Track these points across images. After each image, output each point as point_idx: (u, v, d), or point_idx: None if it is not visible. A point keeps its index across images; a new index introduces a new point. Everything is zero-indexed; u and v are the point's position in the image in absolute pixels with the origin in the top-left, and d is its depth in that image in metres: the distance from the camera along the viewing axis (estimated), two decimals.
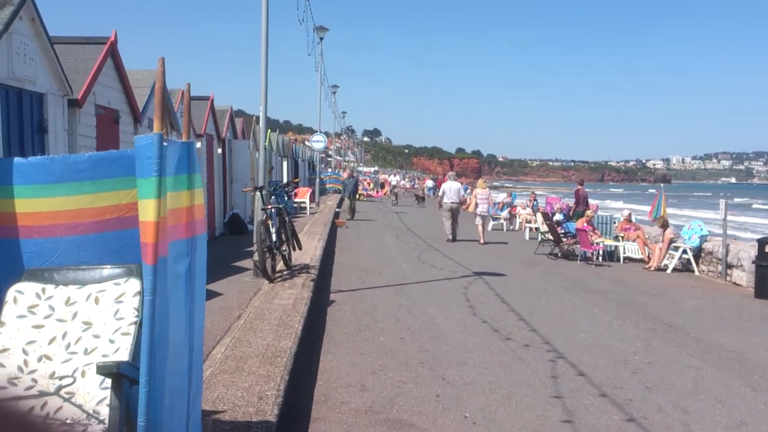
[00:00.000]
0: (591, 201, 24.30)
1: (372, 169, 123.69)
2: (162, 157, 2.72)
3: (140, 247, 2.74)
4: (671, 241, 15.49)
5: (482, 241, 19.22)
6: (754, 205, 72.78)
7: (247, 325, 7.35)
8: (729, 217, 14.71)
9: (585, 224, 16.57)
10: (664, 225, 16.10)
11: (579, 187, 21.36)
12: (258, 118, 13.91)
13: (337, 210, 28.91)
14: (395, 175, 68.92)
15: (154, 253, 2.66)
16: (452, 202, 19.56)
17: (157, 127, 2.76)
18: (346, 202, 27.69)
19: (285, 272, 11.01)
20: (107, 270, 3.33)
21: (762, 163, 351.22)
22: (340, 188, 35.75)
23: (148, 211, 2.70)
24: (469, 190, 28.92)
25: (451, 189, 19.80)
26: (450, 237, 19.62)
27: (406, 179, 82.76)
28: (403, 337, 7.97)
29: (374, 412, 5.44)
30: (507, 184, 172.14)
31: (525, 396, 5.96)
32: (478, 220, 19.65)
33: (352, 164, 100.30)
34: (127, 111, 10.61)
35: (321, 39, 32.38)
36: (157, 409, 2.77)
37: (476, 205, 19.84)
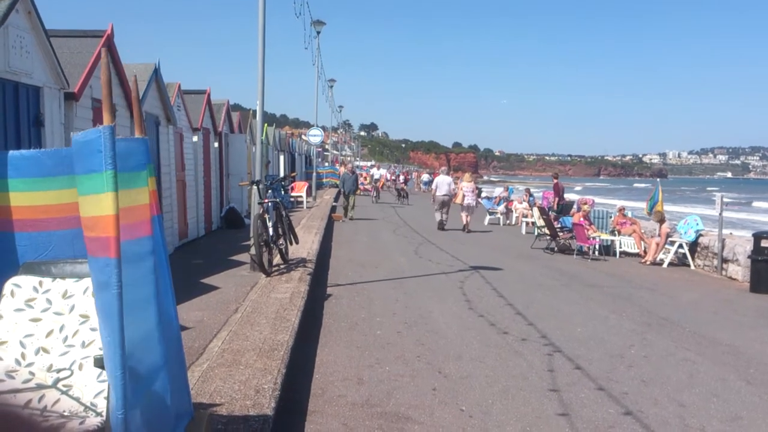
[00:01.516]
0: (587, 197, 24.53)
1: (369, 164, 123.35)
2: (114, 150, 2.64)
3: (97, 242, 2.65)
4: (668, 235, 15.52)
5: (466, 230, 20.71)
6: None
7: (244, 318, 7.35)
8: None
9: (581, 219, 16.60)
10: (661, 219, 16.12)
11: (555, 180, 22.22)
12: (255, 112, 13.90)
13: (334, 204, 28.90)
14: (378, 168, 64.59)
15: (117, 246, 2.60)
16: (444, 195, 21.29)
17: (107, 120, 2.71)
18: (344, 199, 24.49)
19: (282, 266, 11.02)
20: None
21: (758, 158, 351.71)
22: (337, 182, 35.26)
23: (105, 205, 2.61)
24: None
25: (443, 183, 21.58)
26: (441, 226, 21.11)
27: (401, 174, 79.73)
28: (400, 331, 7.98)
29: (371, 405, 5.45)
30: (494, 178, 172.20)
31: (521, 389, 5.98)
32: (463, 210, 21.28)
33: (349, 158, 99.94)
34: (124, 105, 10.57)
35: (318, 33, 32.31)
36: (136, 402, 2.73)
37: (463, 197, 21.37)
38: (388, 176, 56.99)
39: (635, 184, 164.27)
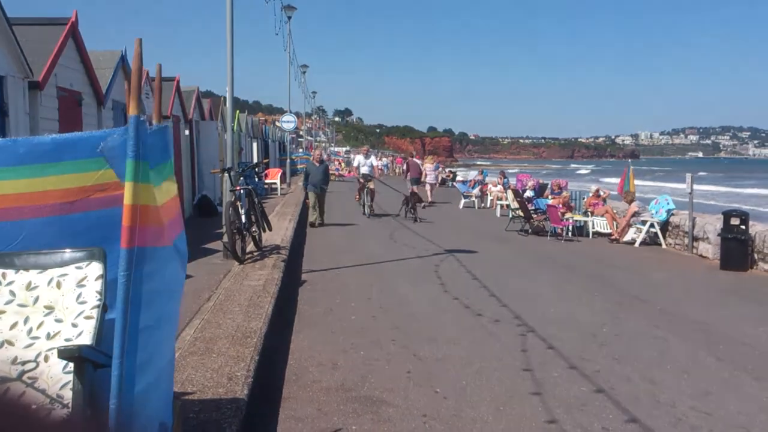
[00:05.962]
0: (560, 179, 24.96)
1: (343, 149, 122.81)
2: (138, 139, 2.70)
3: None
4: (634, 213, 15.74)
5: (428, 201, 24.57)
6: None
7: (217, 306, 7.31)
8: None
9: (560, 205, 16.76)
10: (632, 200, 16.34)
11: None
12: (226, 98, 13.77)
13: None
14: (366, 155, 26.94)
15: (130, 237, 2.62)
16: (415, 175, 25.89)
17: (134, 110, 2.73)
18: (312, 198, 17.88)
19: (255, 253, 10.96)
20: (69, 254, 3.27)
21: (728, 138, 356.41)
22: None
23: (126, 193, 2.68)
24: (440, 168, 35.25)
25: (413, 165, 26.09)
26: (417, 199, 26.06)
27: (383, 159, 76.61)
28: (375, 316, 7.99)
29: (346, 390, 5.45)
30: (468, 162, 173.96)
31: (495, 370, 6.02)
32: (427, 187, 25.93)
33: (324, 144, 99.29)
34: (90, 93, 10.41)
35: (289, 18, 32.01)
36: (128, 392, 2.74)
37: (425, 175, 26.03)
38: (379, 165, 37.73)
39: (572, 165, 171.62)
